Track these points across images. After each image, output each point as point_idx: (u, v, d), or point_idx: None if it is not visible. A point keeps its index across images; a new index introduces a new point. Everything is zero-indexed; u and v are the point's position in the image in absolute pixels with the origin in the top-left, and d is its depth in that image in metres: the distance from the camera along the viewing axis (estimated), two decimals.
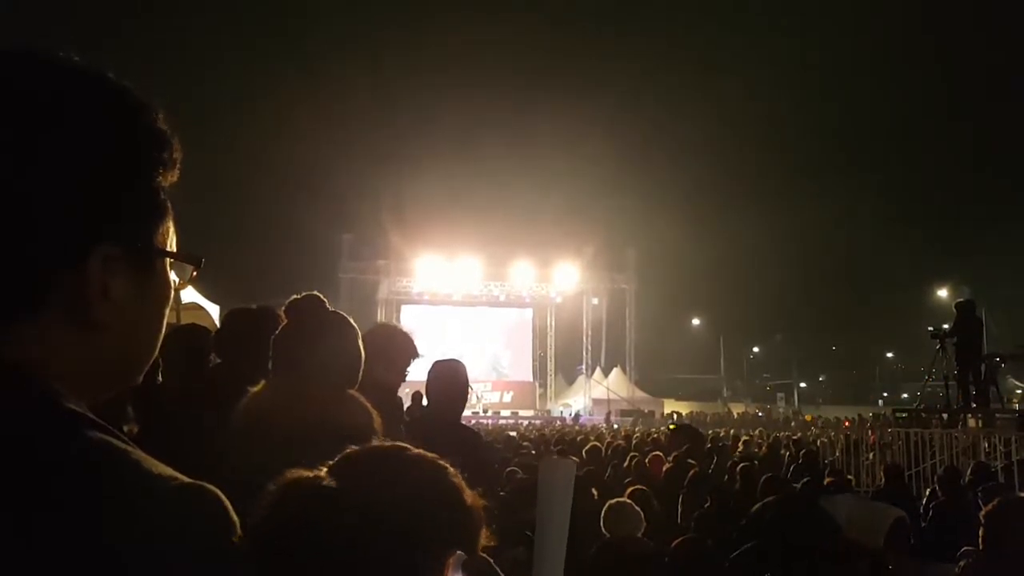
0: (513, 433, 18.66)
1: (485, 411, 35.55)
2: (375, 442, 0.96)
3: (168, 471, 0.63)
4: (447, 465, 0.92)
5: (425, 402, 3.44)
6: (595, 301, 41.64)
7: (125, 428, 2.39)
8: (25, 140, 0.66)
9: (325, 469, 0.89)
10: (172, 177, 0.76)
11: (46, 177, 0.66)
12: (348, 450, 0.92)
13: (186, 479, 0.63)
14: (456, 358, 3.31)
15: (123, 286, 0.70)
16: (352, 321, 1.92)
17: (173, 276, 0.79)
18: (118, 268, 0.70)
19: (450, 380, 3.20)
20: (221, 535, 0.62)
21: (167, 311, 0.78)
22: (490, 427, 25.33)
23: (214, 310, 11.33)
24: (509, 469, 7.82)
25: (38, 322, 0.66)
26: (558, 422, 31.16)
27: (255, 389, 1.76)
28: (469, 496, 0.91)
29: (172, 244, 0.78)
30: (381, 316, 37.23)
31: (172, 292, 0.78)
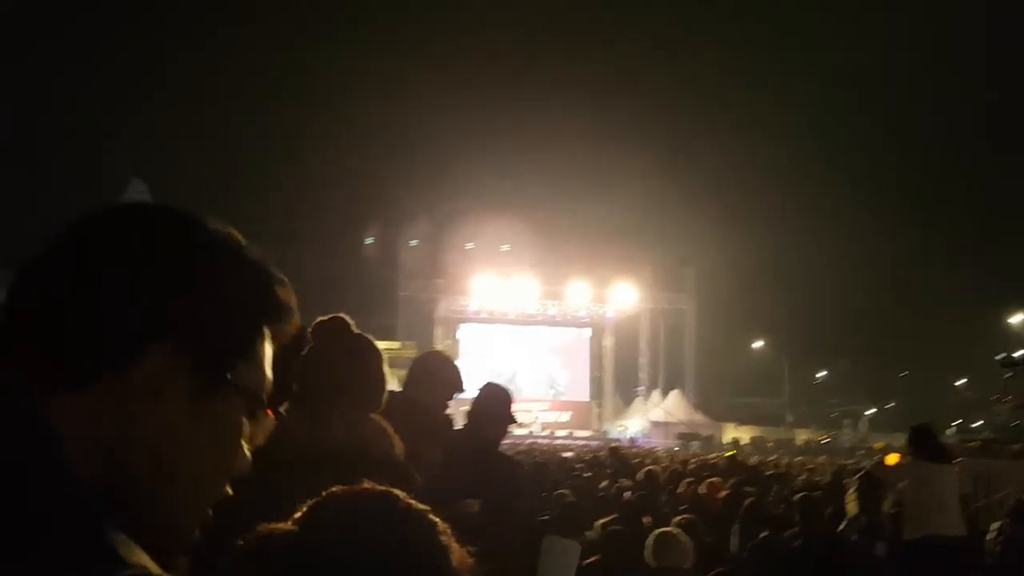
0: (568, 454, 18.51)
1: (541, 431, 35.42)
2: (363, 486, 0.89)
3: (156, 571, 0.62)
4: (435, 521, 0.85)
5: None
6: (653, 322, 41.27)
7: None
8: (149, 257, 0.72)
9: (295, 520, 0.83)
10: (274, 337, 0.79)
11: (139, 276, 0.70)
12: (325, 496, 0.86)
13: None
14: (503, 384, 3.34)
15: (175, 392, 0.70)
16: (376, 345, 1.92)
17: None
18: (176, 374, 0.70)
19: (492, 404, 3.19)
20: None
21: (229, 454, 0.75)
22: (545, 447, 25.19)
23: None
24: (558, 492, 7.76)
25: (84, 399, 0.67)
26: (614, 443, 30.83)
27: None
28: (456, 558, 0.84)
29: (259, 392, 0.78)
30: (439, 335, 37.57)
31: (239, 437, 0.75)
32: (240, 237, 0.79)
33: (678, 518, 5.40)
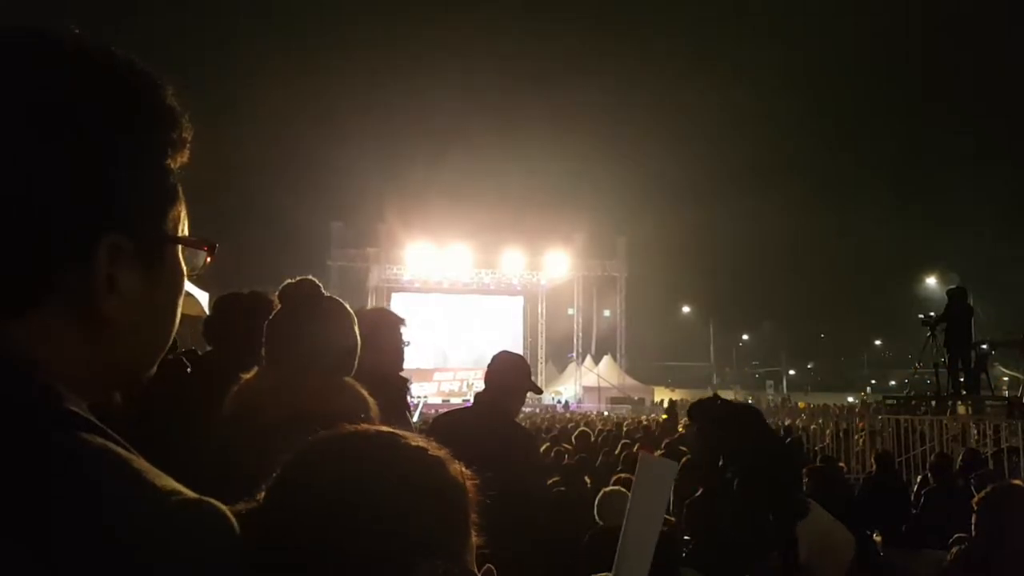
0: None
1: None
2: (364, 426, 0.84)
3: (171, 484, 0.58)
4: (443, 456, 0.81)
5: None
6: (585, 289, 41.71)
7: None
8: (23, 123, 0.61)
9: (290, 457, 0.79)
10: (182, 158, 0.71)
11: (46, 161, 0.61)
12: (328, 433, 0.80)
13: (190, 494, 0.58)
14: (519, 353, 3.27)
15: (131, 278, 0.65)
16: (348, 307, 1.89)
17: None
18: (126, 260, 0.65)
19: (507, 373, 3.15)
20: (223, 556, 0.58)
21: (180, 300, 0.73)
22: None
23: (203, 297, 11.21)
24: None
25: (40, 317, 0.62)
26: (549, 410, 31.22)
27: (247, 376, 1.72)
28: (463, 490, 0.80)
29: (184, 229, 0.73)
30: (371, 304, 37.10)
31: (184, 280, 0.73)
32: (119, 56, 0.67)
33: (616, 477, 5.52)
